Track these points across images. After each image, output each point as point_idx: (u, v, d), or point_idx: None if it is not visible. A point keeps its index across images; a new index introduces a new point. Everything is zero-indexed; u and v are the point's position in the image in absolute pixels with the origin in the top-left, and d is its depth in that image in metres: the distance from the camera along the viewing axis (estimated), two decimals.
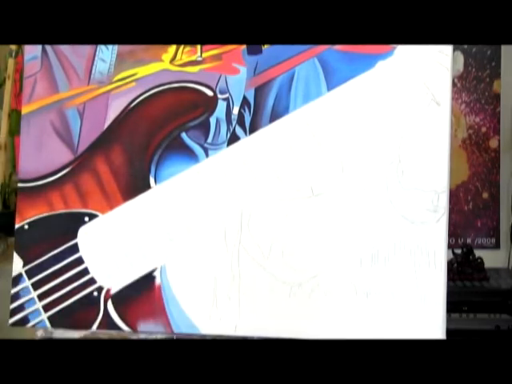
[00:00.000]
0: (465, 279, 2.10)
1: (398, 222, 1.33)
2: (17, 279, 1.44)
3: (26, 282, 1.43)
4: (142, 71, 1.46)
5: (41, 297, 1.42)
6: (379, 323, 1.33)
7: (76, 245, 1.44)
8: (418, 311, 1.31)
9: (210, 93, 1.44)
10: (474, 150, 2.34)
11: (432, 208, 1.33)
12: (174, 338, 1.31)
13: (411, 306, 1.32)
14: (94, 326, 1.37)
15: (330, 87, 1.38)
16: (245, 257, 1.38)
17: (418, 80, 1.34)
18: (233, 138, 1.42)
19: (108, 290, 1.42)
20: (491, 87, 2.33)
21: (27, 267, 1.43)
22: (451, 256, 2.14)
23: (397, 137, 1.35)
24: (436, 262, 1.32)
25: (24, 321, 1.42)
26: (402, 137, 1.35)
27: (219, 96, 1.43)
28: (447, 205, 1.33)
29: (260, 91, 1.42)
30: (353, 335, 1.31)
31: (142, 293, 1.39)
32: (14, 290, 1.43)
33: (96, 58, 1.48)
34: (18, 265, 1.44)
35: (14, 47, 1.79)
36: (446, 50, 1.34)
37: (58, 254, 1.44)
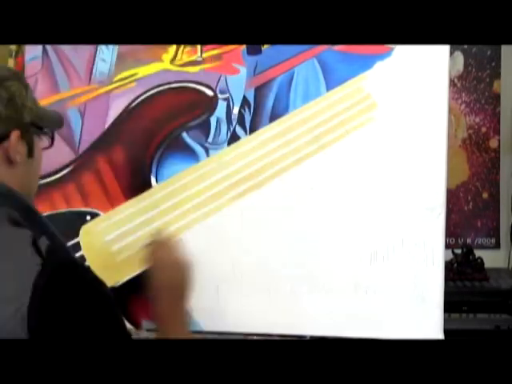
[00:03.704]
0: (465, 279, 2.10)
1: (396, 220, 1.34)
2: None
3: None
4: (143, 71, 1.47)
5: None
6: (378, 320, 1.33)
7: (78, 243, 1.44)
8: (416, 307, 1.32)
9: (210, 93, 1.44)
10: (474, 150, 2.34)
11: (430, 206, 1.33)
12: None
13: (409, 302, 1.32)
14: None
15: (329, 87, 1.39)
16: (246, 254, 1.38)
17: (415, 80, 1.35)
18: (233, 138, 1.42)
19: (110, 289, 1.42)
20: (491, 87, 2.32)
21: None
22: (451, 256, 2.14)
23: (395, 136, 1.35)
24: (434, 260, 1.32)
25: None
26: (400, 136, 1.35)
27: (219, 96, 1.44)
28: (445, 203, 1.33)
29: (260, 91, 1.42)
30: (351, 332, 1.32)
31: (143, 291, 1.39)
32: None
33: (96, 58, 1.49)
34: None
35: (14, 47, 1.79)
36: (444, 50, 1.35)
37: None
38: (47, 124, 1.08)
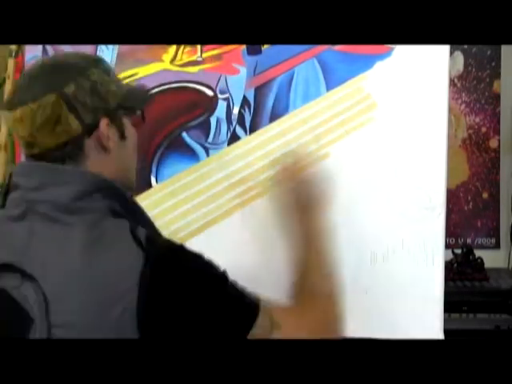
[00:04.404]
0: (465, 279, 2.10)
1: (396, 220, 1.34)
2: None
3: None
4: (143, 71, 1.47)
5: None
6: (378, 320, 1.33)
7: None
8: (416, 307, 1.32)
9: (210, 93, 1.44)
10: (474, 150, 2.34)
11: (430, 206, 1.33)
12: None
13: (409, 302, 1.32)
14: None
15: (329, 87, 1.39)
16: (247, 254, 1.38)
17: (415, 80, 1.35)
18: (233, 138, 1.42)
19: None
20: (491, 87, 2.32)
21: None
22: (451, 256, 2.14)
23: (395, 136, 1.35)
24: (434, 260, 1.32)
25: None
26: (400, 136, 1.35)
27: (219, 96, 1.44)
28: (445, 203, 1.33)
29: (260, 91, 1.42)
30: (351, 332, 1.32)
31: None
32: None
33: None
34: None
35: (14, 47, 1.79)
36: (444, 50, 1.35)
37: None
38: (134, 103, 1.06)
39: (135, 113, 1.07)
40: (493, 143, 2.35)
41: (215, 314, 0.93)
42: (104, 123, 0.97)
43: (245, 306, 0.96)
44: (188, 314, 0.91)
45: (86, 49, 1.49)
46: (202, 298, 0.92)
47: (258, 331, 0.96)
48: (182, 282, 0.91)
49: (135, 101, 1.07)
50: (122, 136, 1.02)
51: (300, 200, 1.14)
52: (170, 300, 0.90)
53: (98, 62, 1.02)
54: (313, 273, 1.09)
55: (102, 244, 0.91)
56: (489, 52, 2.32)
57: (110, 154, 0.99)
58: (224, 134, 1.43)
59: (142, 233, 0.92)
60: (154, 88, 1.46)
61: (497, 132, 2.34)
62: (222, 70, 1.44)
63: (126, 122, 1.03)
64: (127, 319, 0.88)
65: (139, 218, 0.99)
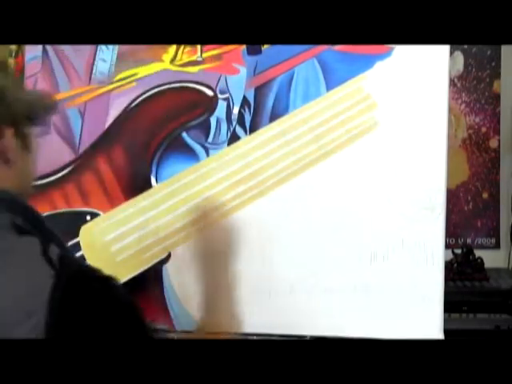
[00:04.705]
0: (465, 279, 2.10)
1: (396, 220, 1.34)
2: None
3: None
4: (143, 71, 1.47)
5: None
6: (378, 320, 1.33)
7: (78, 243, 1.44)
8: (416, 307, 1.32)
9: (210, 93, 1.44)
10: (474, 150, 2.34)
11: (430, 206, 1.33)
12: (175, 336, 1.31)
13: (409, 302, 1.32)
14: None
15: (329, 87, 1.39)
16: (246, 254, 1.38)
17: (415, 80, 1.35)
18: (233, 138, 1.42)
19: None
20: (491, 87, 2.32)
21: None
22: (451, 256, 2.14)
23: (395, 136, 1.35)
24: (434, 260, 1.32)
25: None
26: (400, 136, 1.35)
27: (219, 96, 1.44)
28: (444, 203, 1.34)
29: (260, 91, 1.42)
30: (351, 332, 1.32)
31: (144, 291, 1.39)
32: None
33: (97, 58, 1.49)
34: None
35: (14, 47, 1.79)
36: (444, 50, 1.35)
37: None
38: (41, 112, 1.00)
39: (40, 123, 1.00)
40: (493, 143, 2.34)
41: (121, 336, 0.89)
42: (9, 134, 0.91)
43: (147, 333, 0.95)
44: (96, 337, 0.87)
45: (86, 49, 1.50)
46: (107, 322, 0.89)
47: None
48: (93, 306, 0.88)
49: (42, 110, 1.00)
50: (26, 148, 0.95)
51: (217, 246, 1.13)
52: (79, 324, 0.86)
53: (4, 66, 0.97)
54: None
55: (9, 262, 0.87)
56: (489, 52, 2.32)
57: (11, 167, 0.92)
58: (224, 134, 1.43)
59: (54, 252, 0.88)
60: (154, 88, 1.46)
61: (497, 132, 2.34)
62: (222, 69, 1.44)
63: (31, 134, 0.96)
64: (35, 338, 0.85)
65: (49, 235, 0.94)
